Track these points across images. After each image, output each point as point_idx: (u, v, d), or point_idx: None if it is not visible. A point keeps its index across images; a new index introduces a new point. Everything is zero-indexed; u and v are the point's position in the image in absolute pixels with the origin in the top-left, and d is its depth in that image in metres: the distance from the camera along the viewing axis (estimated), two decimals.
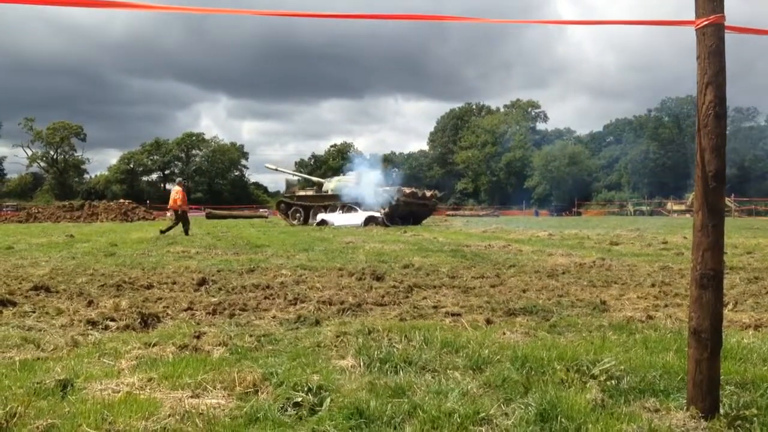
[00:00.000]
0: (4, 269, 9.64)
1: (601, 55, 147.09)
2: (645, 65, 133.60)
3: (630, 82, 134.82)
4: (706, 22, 2.97)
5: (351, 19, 3.86)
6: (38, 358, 4.26)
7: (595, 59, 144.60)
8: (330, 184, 32.61)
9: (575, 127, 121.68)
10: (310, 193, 33.18)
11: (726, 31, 3.01)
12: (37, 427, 2.90)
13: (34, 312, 6.03)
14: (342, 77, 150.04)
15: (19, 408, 3.07)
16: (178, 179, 24.94)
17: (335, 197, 30.77)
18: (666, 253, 12.77)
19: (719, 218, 3.02)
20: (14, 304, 6.35)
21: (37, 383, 3.55)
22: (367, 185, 29.71)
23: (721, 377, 3.17)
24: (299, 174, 40.41)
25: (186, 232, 20.32)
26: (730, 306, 6.32)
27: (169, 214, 22.43)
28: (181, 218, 20.68)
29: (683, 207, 58.94)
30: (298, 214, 31.98)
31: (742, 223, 32.32)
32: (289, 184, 34.90)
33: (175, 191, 21.13)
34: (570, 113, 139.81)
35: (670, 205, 63.37)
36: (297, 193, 33.54)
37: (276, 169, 38.40)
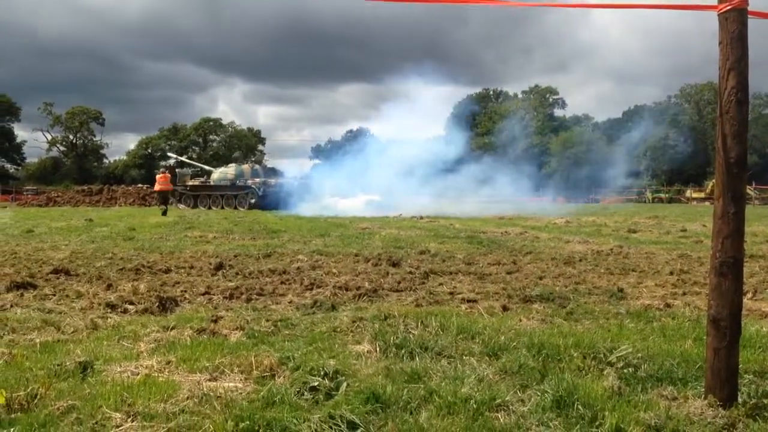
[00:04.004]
0: (24, 252, 9.75)
1: (625, 38, 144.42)
2: (670, 49, 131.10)
3: (654, 67, 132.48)
4: (728, 7, 2.93)
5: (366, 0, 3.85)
6: (58, 341, 4.32)
7: (619, 43, 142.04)
8: (214, 175, 38.38)
9: (595, 114, 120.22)
10: (197, 183, 38.41)
11: (749, 16, 2.97)
12: (58, 409, 2.94)
13: (54, 295, 6.10)
14: (360, 61, 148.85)
15: (40, 389, 3.11)
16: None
17: (216, 187, 36.50)
18: (685, 241, 12.66)
19: (740, 205, 2.99)
20: (35, 286, 6.43)
21: (58, 365, 3.59)
22: (239, 177, 36.06)
23: (740, 366, 3.15)
24: (197, 164, 49.08)
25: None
26: (749, 294, 6.27)
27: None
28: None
29: (702, 194, 58.32)
30: (189, 201, 37.01)
31: (762, 212, 31.95)
32: (180, 175, 39.21)
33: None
34: (590, 99, 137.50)
35: (690, 192, 62.71)
36: (187, 183, 38.10)
37: (177, 158, 47.91)
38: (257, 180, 35.55)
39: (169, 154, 62.40)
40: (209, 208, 35.27)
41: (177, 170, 41.26)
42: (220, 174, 38.03)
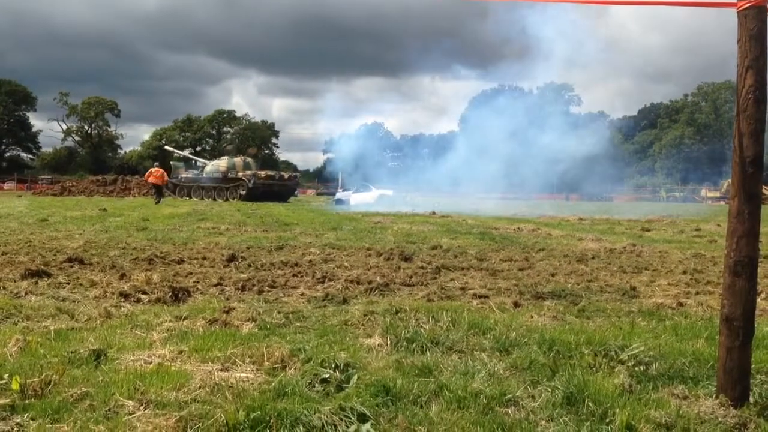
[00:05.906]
0: (39, 241, 9.84)
1: (643, 35, 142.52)
2: (688, 47, 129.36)
3: (671, 65, 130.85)
4: (748, 5, 2.90)
5: None
6: (72, 328, 4.36)
7: (636, 40, 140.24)
8: (207, 168, 40.04)
9: (611, 111, 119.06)
10: (191, 175, 40.56)
11: None
12: (72, 395, 2.96)
13: (68, 283, 6.16)
14: (376, 55, 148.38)
15: (54, 376, 3.14)
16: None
17: (209, 179, 38.32)
18: (699, 241, 12.58)
19: (756, 205, 2.97)
20: (49, 275, 6.49)
21: (72, 352, 3.63)
22: (231, 170, 37.50)
23: (752, 366, 3.14)
24: (195, 157, 50.56)
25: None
26: (763, 294, 6.21)
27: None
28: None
29: (718, 194, 57.83)
30: (183, 192, 39.48)
31: None
32: (174, 167, 41.30)
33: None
34: (607, 96, 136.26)
35: (705, 191, 62.20)
36: (181, 175, 40.60)
37: (173, 151, 49.90)
38: (248, 173, 36.75)
39: (166, 147, 64.85)
40: (201, 198, 36.92)
41: (171, 163, 42.96)
42: (213, 167, 39.38)
